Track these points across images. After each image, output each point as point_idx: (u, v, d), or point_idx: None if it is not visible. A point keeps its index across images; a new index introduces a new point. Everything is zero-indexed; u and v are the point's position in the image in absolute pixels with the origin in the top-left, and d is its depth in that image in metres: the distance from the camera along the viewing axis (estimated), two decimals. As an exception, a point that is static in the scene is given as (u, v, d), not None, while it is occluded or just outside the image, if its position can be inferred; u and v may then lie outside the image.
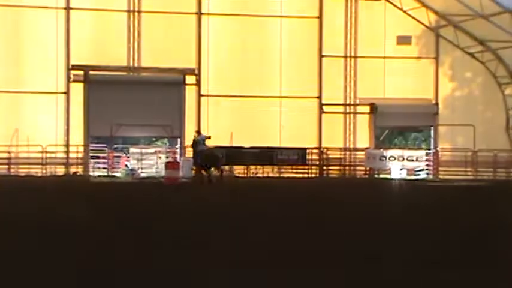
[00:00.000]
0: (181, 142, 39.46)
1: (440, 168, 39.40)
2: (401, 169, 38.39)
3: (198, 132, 30.53)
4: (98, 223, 14.19)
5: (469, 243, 11.48)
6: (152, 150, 40.21)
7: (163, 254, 9.89)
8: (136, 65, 39.03)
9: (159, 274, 8.29)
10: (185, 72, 39.36)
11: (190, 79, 39.54)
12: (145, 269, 8.62)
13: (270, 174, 38.66)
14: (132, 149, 39.26)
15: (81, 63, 38.35)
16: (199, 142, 29.06)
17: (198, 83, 39.47)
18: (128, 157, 38.87)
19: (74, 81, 38.47)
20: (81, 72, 38.46)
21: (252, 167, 38.78)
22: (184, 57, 39.10)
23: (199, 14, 39.15)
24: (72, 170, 37.86)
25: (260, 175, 38.49)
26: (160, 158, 38.20)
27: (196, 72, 39.40)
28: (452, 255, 9.95)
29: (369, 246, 10.94)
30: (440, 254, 10.04)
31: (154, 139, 46.81)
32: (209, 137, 29.62)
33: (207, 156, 28.50)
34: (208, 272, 8.34)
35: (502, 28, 36.16)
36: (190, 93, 39.52)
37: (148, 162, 38.35)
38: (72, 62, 38.43)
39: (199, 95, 39.49)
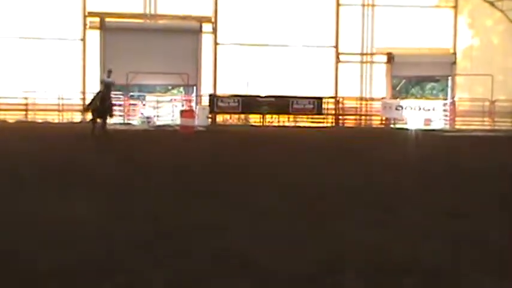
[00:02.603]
0: (197, 90, 39.45)
1: (457, 119, 39.27)
2: (417, 119, 38.27)
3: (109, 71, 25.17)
4: (116, 169, 14.32)
5: (487, 193, 11.50)
6: (168, 98, 40.26)
7: (177, 203, 9.98)
8: (152, 12, 38.84)
9: (174, 220, 8.38)
10: (202, 20, 39.14)
11: (207, 27, 39.35)
12: (161, 212, 8.71)
13: (286, 124, 38.68)
14: (148, 97, 39.33)
15: (98, 10, 38.21)
16: (104, 82, 25.13)
17: (215, 31, 39.27)
18: (144, 105, 38.96)
19: (91, 27, 38.38)
20: (98, 19, 38.36)
21: (268, 116, 38.78)
22: (201, 5, 38.85)
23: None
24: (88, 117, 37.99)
25: (276, 124, 38.51)
26: (175, 106, 38.27)
27: (213, 20, 39.18)
28: (468, 205, 9.97)
29: (385, 197, 10.98)
30: (457, 204, 10.06)
31: (170, 87, 46.82)
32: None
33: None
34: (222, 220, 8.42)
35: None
36: (206, 41, 39.37)
37: (164, 110, 38.44)
38: (89, 8, 38.30)
39: (216, 43, 39.33)
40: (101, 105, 24.14)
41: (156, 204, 9.73)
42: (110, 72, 24.86)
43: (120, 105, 38.08)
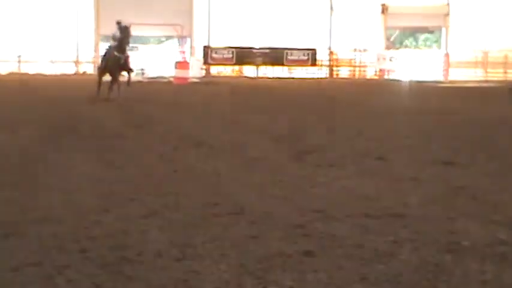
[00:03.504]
0: (191, 42, 39.29)
1: (451, 69, 39.27)
2: (411, 70, 38.28)
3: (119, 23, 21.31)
4: (108, 120, 14.41)
5: (479, 142, 11.62)
6: (162, 49, 40.11)
7: (168, 149, 10.08)
8: (146, -37, 38.49)
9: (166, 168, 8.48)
10: (195, -29, 38.83)
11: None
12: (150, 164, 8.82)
13: (280, 75, 38.65)
14: (142, 48, 39.16)
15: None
16: (114, 36, 21.29)
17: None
18: (137, 56, 38.80)
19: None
20: (91, -29, 38.04)
21: (262, 67, 38.73)
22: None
23: None
24: (82, 69, 37.93)
25: (270, 76, 38.47)
26: (169, 57, 38.15)
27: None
28: (462, 154, 10.09)
29: (380, 145, 11.08)
30: (448, 152, 10.18)
31: (164, 39, 46.60)
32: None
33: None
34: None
35: None
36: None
37: (158, 61, 38.33)
38: (81, -40, 37.97)
39: (209, -4, 39.09)
40: (121, 53, 20.53)
41: (151, 153, 9.83)
42: (119, 24, 21.14)
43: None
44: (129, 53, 21.27)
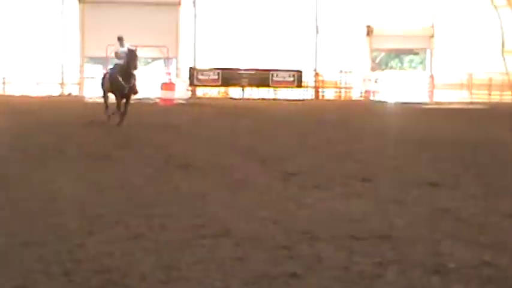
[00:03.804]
0: (177, 63, 39.35)
1: (436, 91, 39.48)
2: (396, 92, 38.45)
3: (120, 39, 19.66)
4: (94, 141, 14.36)
5: (464, 164, 11.65)
6: (148, 71, 40.14)
7: (154, 171, 10.05)
8: (131, -15, 38.58)
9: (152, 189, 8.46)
10: (181, -8, 38.97)
11: (186, 0, 39.16)
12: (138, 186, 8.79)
13: (266, 96, 38.72)
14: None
15: (76, -18, 37.93)
16: (118, 53, 19.43)
17: (194, 4, 39.10)
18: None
19: (70, 1, 38.13)
20: (76, -8, 38.09)
21: (248, 88, 38.80)
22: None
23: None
24: (67, 90, 37.87)
25: (256, 97, 38.53)
26: (155, 79, 38.15)
27: (193, -5, 39.02)
28: (447, 176, 10.11)
29: (366, 167, 11.09)
30: (436, 174, 10.20)
31: (150, 60, 46.64)
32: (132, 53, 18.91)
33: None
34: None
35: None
36: (186, 14, 39.19)
37: (144, 83, 38.29)
38: (67, -19, 38.01)
39: (195, 16, 39.18)
40: (125, 81, 18.43)
41: (137, 175, 9.79)
42: (121, 40, 19.38)
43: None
44: (136, 77, 18.94)
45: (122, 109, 18.54)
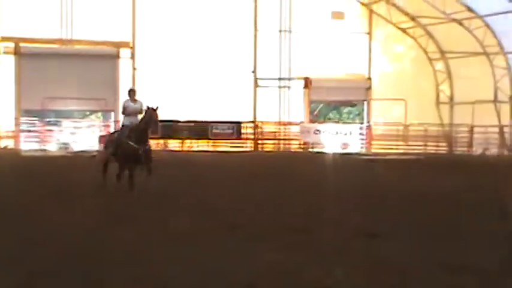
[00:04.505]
0: (115, 116, 39.13)
1: (373, 142, 40.04)
2: (335, 143, 38.86)
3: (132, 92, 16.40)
4: (30, 194, 14.13)
5: (401, 214, 11.79)
6: (86, 123, 39.83)
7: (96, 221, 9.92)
8: (69, 37, 38.44)
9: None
10: (120, 45, 38.96)
11: (125, 52, 39.15)
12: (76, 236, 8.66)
13: (205, 148, 38.70)
14: (65, 123, 38.81)
15: (12, 35, 37.60)
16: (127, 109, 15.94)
17: (133, 56, 39.13)
18: (61, 130, 38.42)
19: (5, 53, 37.73)
20: (12, 45, 37.74)
21: (187, 141, 38.76)
22: (119, 30, 38.69)
23: (133, -14, 38.79)
24: (3, 143, 37.29)
25: (195, 149, 38.49)
26: (93, 132, 37.87)
27: (131, 45, 39.05)
28: (384, 226, 10.21)
29: (306, 218, 11.14)
30: (373, 225, 10.29)
31: (88, 113, 46.31)
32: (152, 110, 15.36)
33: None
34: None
35: (432, 4, 36.80)
36: (125, 66, 39.16)
37: (82, 136, 37.99)
38: (2, 34, 37.65)
39: (134, 69, 39.18)
40: (139, 143, 15.18)
41: (75, 228, 9.65)
42: (132, 93, 16.15)
43: (35, 131, 37.53)
44: (151, 142, 15.76)
45: (144, 173, 15.16)
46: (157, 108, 15.14)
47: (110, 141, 16.16)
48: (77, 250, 8.11)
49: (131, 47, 39.00)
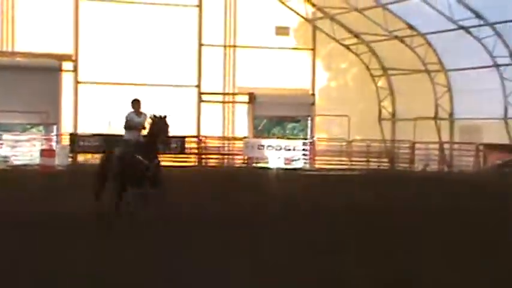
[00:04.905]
0: (57, 129, 38.61)
1: (317, 158, 40.26)
2: (278, 158, 38.97)
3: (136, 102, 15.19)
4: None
5: (342, 230, 11.85)
6: (26, 137, 39.18)
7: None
8: (10, 49, 37.84)
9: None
10: (62, 58, 38.49)
11: (67, 65, 38.69)
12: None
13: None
14: (6, 136, 38.11)
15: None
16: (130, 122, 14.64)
17: (76, 69, 38.68)
18: (1, 144, 37.71)
19: None
20: (-49, 56, 37.04)
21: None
22: (61, 43, 38.22)
23: (77, -2, 38.43)
24: None
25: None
26: (35, 145, 37.28)
27: (74, 58, 38.62)
28: (330, 242, 10.24)
29: (251, 233, 11.12)
30: (318, 240, 10.31)
31: (29, 126, 45.58)
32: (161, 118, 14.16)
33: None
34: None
35: (375, 22, 37.28)
36: (67, 79, 38.69)
37: (23, 149, 37.36)
38: None
39: (77, 82, 38.73)
40: (148, 158, 13.61)
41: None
42: (136, 104, 14.88)
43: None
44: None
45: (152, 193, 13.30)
46: (165, 116, 13.75)
47: (108, 159, 14.35)
48: None
49: (74, 60, 38.57)
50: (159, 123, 13.64)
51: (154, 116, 13.75)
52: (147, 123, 13.83)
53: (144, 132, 13.99)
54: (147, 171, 13.23)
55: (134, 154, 13.41)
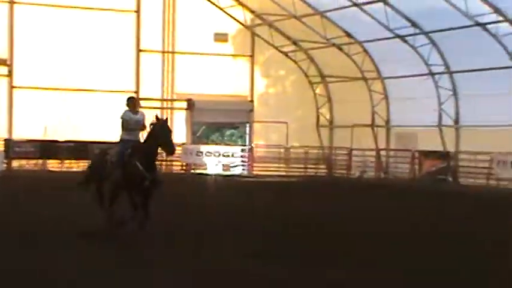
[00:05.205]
0: (-8, 135, 37.87)
1: (255, 164, 40.34)
2: (217, 164, 38.93)
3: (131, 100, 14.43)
4: None
5: (279, 237, 11.89)
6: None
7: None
8: None
9: None
10: (-3, 62, 37.80)
11: (2, 70, 38.00)
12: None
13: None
14: None
15: None
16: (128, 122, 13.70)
17: (10, 74, 38.01)
18: None
19: None
20: None
21: (67, 161, 37.90)
22: (-5, 47, 37.56)
23: (12, 2, 37.75)
24: None
25: (76, 169, 37.69)
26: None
27: (9, 62, 37.94)
28: (265, 248, 10.28)
29: (193, 240, 11.08)
30: (256, 246, 10.34)
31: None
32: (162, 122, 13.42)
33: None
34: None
35: (313, 29, 37.57)
36: (1, 84, 37.99)
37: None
38: None
39: (12, 87, 38.05)
40: (148, 169, 12.61)
41: None
42: (133, 102, 14.05)
43: None
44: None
45: (143, 210, 12.24)
46: (166, 119, 12.95)
47: (111, 165, 12.83)
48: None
49: (8, 65, 37.90)
50: (163, 127, 12.71)
51: (157, 117, 13.06)
52: (148, 124, 13.00)
53: (144, 132, 13.13)
54: (144, 182, 12.27)
55: (135, 161, 12.31)
